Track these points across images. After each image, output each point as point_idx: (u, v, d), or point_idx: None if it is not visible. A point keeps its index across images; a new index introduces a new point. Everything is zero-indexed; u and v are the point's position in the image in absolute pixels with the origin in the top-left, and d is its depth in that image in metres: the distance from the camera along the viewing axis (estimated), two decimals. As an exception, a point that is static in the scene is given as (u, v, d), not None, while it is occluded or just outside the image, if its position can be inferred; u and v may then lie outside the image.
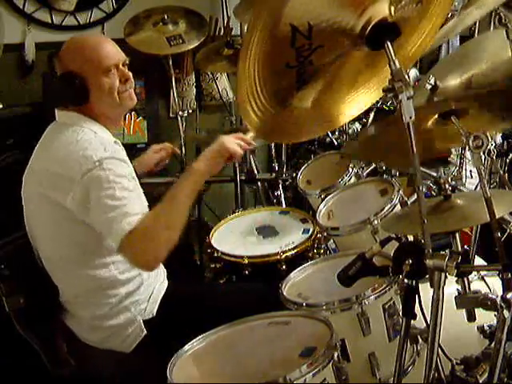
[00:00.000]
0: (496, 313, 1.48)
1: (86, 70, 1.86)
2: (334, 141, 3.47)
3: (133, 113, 3.62)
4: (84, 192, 1.74)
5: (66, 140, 1.83)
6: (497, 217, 1.52)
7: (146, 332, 1.91)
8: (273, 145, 3.73)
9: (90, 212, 1.76)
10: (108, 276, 1.87)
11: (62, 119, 1.93)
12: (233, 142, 1.91)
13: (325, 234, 2.33)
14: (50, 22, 3.52)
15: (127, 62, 1.95)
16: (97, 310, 1.89)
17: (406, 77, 1.31)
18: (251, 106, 1.35)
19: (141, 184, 1.95)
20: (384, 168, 2.74)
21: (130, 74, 1.94)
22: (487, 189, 1.51)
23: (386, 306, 1.71)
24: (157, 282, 2.00)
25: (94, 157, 1.75)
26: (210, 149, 1.90)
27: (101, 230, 1.78)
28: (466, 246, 1.79)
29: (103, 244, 1.83)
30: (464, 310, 1.69)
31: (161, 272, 2.06)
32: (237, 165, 3.41)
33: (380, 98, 2.04)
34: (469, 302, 1.61)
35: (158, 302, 1.96)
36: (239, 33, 3.71)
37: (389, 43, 1.33)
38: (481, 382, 1.65)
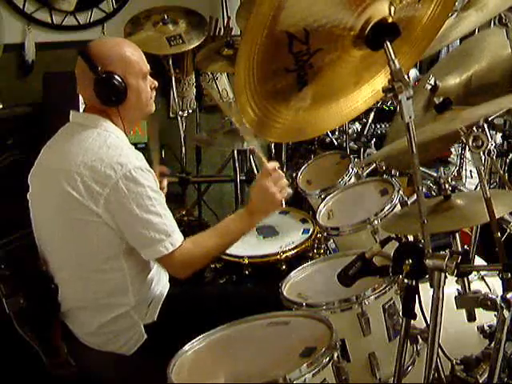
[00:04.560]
0: (496, 313, 1.48)
1: (129, 74, 1.88)
2: (334, 141, 3.48)
3: (133, 113, 3.62)
4: (118, 199, 1.76)
5: (94, 143, 1.82)
6: (497, 217, 1.52)
7: (146, 336, 1.91)
8: (273, 145, 3.73)
9: (122, 223, 1.79)
10: (122, 281, 1.87)
11: (81, 121, 1.92)
12: (276, 192, 1.92)
13: (325, 234, 2.33)
14: (50, 22, 3.51)
15: (150, 72, 1.99)
16: (102, 317, 1.88)
17: (406, 77, 1.31)
18: (250, 105, 1.35)
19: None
20: (384, 168, 2.74)
21: (156, 83, 1.99)
22: (487, 189, 1.51)
23: (386, 306, 1.71)
24: (159, 287, 2.00)
25: (129, 165, 1.77)
26: (260, 201, 1.94)
27: (133, 242, 1.83)
28: (465, 246, 1.79)
29: (122, 247, 1.84)
30: (464, 310, 1.69)
31: (163, 276, 2.05)
32: (237, 165, 3.42)
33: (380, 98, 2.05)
34: (469, 302, 1.61)
35: (159, 306, 1.96)
36: (239, 33, 3.71)
37: (388, 43, 1.33)
38: (481, 381, 1.65)
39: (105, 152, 1.80)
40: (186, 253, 1.84)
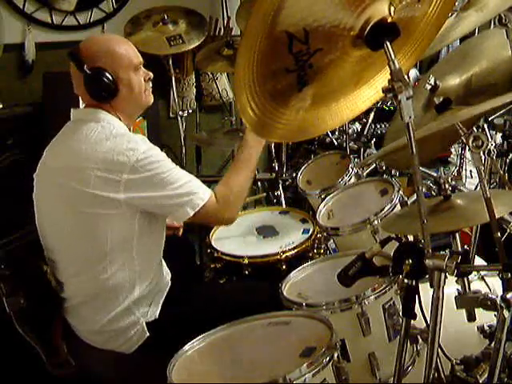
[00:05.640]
0: (496, 313, 1.48)
1: (118, 67, 1.89)
2: (334, 141, 3.48)
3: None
4: (137, 181, 1.79)
5: (100, 136, 1.83)
6: (497, 217, 1.52)
7: (148, 334, 1.91)
8: (273, 145, 3.72)
9: (147, 199, 1.82)
10: (128, 275, 1.88)
11: (82, 116, 1.93)
12: None
13: (325, 234, 2.33)
14: (50, 22, 3.51)
15: (144, 63, 2.00)
16: (106, 314, 1.88)
17: (406, 77, 1.31)
18: (250, 105, 1.35)
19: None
20: (384, 168, 2.75)
21: (151, 73, 2.00)
22: (487, 189, 1.51)
23: (386, 306, 1.71)
24: (162, 285, 2.00)
25: (139, 149, 1.81)
26: None
27: (165, 213, 1.91)
28: (465, 246, 1.79)
29: (133, 242, 1.86)
30: (464, 310, 1.69)
31: (165, 275, 2.06)
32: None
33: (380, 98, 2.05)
34: (469, 302, 1.61)
35: (161, 304, 1.97)
36: (239, 33, 3.71)
37: (388, 43, 1.33)
38: (481, 382, 1.65)
39: (113, 142, 1.82)
40: (221, 196, 1.92)
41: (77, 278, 1.90)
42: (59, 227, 1.90)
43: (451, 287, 1.73)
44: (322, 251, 2.39)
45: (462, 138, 1.54)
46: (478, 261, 2.08)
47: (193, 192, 1.86)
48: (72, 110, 1.96)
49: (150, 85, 2.00)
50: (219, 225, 2.21)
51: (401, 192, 2.15)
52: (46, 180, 1.93)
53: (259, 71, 1.29)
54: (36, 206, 1.96)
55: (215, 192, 1.93)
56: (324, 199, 2.40)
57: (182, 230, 2.34)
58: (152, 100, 2.02)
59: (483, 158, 1.69)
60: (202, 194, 1.88)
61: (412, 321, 1.49)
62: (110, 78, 1.87)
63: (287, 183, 3.30)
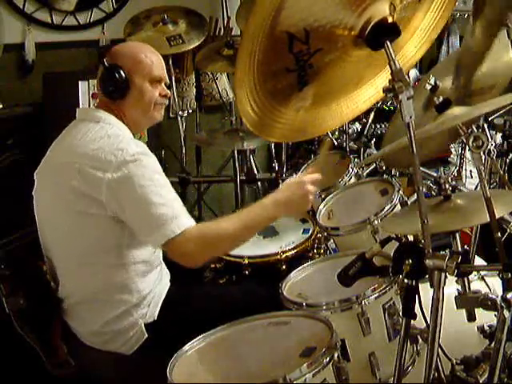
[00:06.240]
0: (496, 313, 1.48)
1: (135, 71, 1.91)
2: (334, 141, 3.48)
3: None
4: (120, 182, 1.75)
5: (95, 135, 1.84)
6: (497, 217, 1.52)
7: (147, 335, 1.91)
8: (273, 145, 3.73)
9: (126, 208, 1.76)
10: (125, 278, 1.87)
11: (84, 116, 1.95)
12: (310, 191, 1.91)
13: (325, 234, 2.33)
14: (50, 22, 3.51)
15: (167, 84, 2.02)
16: (105, 315, 1.88)
17: (406, 77, 1.31)
18: (250, 105, 1.35)
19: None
20: (384, 168, 2.75)
21: (170, 93, 2.02)
22: (487, 189, 1.51)
23: (386, 306, 1.71)
24: (161, 286, 2.00)
25: (129, 150, 1.78)
26: (291, 194, 1.88)
27: (138, 228, 1.79)
28: (465, 246, 1.79)
29: (127, 242, 1.84)
30: (464, 310, 1.69)
31: (165, 275, 2.06)
32: (237, 165, 3.42)
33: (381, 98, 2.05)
34: (469, 302, 1.61)
35: (159, 305, 1.96)
36: (239, 33, 3.71)
37: (388, 43, 1.33)
38: (481, 382, 1.65)
39: (105, 141, 1.82)
40: (196, 235, 1.76)
41: (73, 278, 1.90)
42: (56, 225, 1.90)
43: (451, 287, 1.73)
44: (322, 251, 2.38)
45: (462, 138, 1.54)
46: (478, 261, 2.08)
47: (173, 216, 1.74)
48: (77, 109, 1.99)
49: (165, 102, 2.01)
50: (184, 264, 1.82)
51: (401, 192, 2.15)
52: (45, 178, 1.94)
53: (259, 71, 1.29)
54: (35, 203, 1.97)
55: (190, 228, 1.76)
56: (324, 199, 2.40)
57: None
58: (160, 117, 2.02)
59: (483, 157, 1.69)
60: (180, 222, 1.74)
61: (412, 321, 1.49)
62: (124, 76, 1.89)
63: (287, 183, 3.29)
